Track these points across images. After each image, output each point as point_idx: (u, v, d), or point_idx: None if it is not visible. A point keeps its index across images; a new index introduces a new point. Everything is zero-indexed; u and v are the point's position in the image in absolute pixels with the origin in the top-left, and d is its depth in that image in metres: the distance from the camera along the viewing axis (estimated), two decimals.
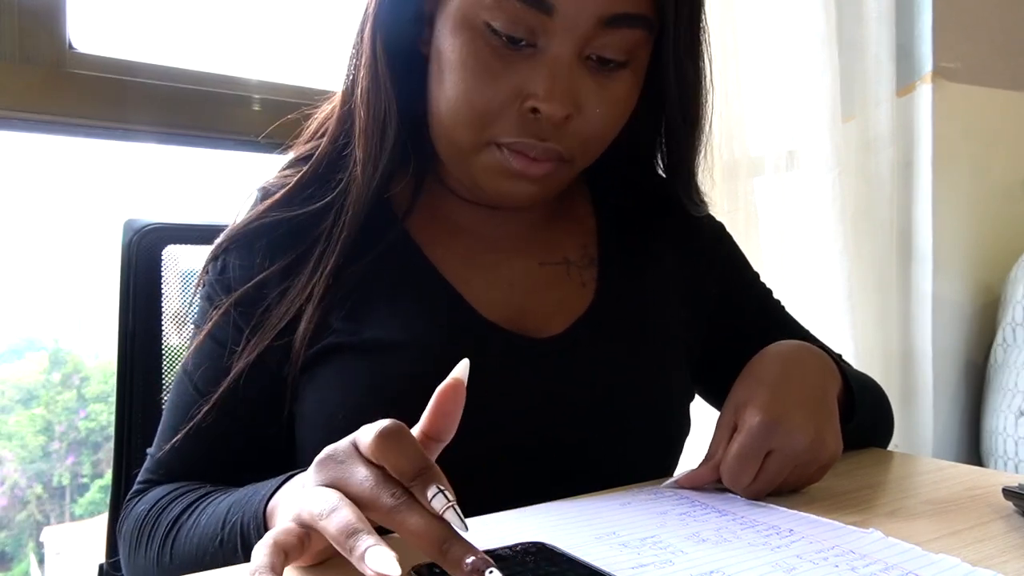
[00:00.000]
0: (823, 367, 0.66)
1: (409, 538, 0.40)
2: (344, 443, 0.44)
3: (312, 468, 0.44)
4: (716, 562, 0.46)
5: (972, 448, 1.65)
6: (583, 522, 0.54)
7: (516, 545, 0.44)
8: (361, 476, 0.42)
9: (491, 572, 0.38)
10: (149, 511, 0.63)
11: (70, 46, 1.00)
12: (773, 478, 0.58)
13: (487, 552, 0.42)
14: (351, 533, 0.39)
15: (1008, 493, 0.58)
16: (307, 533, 0.42)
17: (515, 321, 0.68)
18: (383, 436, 0.41)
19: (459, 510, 0.40)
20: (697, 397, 0.80)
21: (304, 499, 0.43)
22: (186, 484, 0.64)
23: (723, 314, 0.79)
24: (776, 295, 0.86)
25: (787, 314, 0.85)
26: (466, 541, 0.39)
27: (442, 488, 0.40)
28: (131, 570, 0.65)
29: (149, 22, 1.20)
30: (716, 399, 0.82)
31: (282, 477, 0.53)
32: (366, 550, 0.38)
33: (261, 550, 0.40)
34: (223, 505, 0.57)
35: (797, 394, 0.60)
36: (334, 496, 0.41)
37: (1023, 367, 1.51)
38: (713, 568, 0.45)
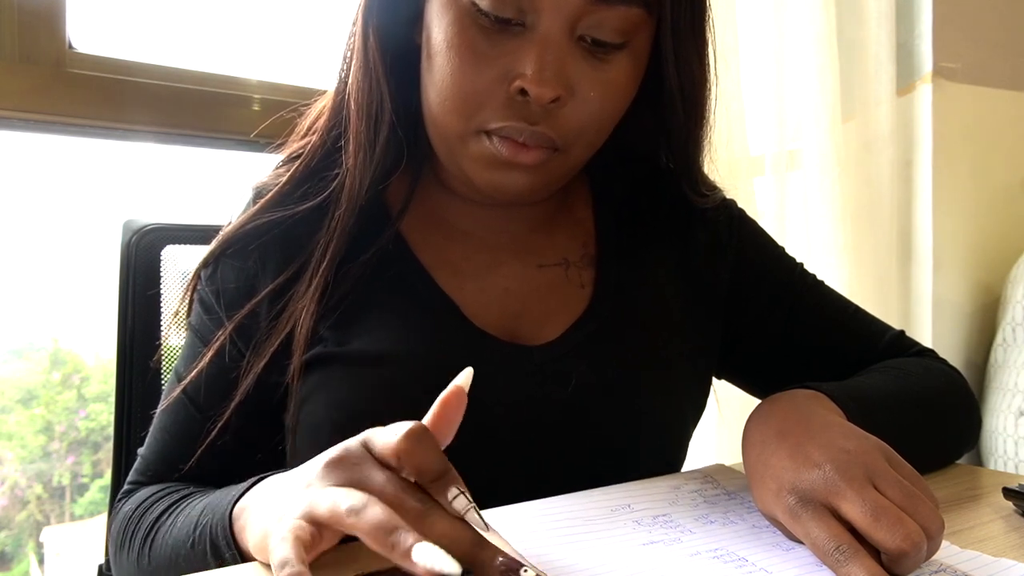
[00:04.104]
0: (794, 406, 0.57)
1: (439, 541, 0.39)
2: (355, 444, 0.44)
3: (322, 469, 0.44)
4: (720, 541, 0.50)
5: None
6: (599, 495, 0.57)
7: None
8: (381, 479, 0.42)
9: (525, 571, 0.38)
10: (133, 512, 0.63)
11: (70, 46, 1.00)
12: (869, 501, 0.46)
13: None
14: (391, 530, 0.38)
15: (1008, 493, 0.58)
16: (318, 531, 0.42)
17: (509, 328, 0.67)
18: (410, 438, 0.41)
19: (479, 511, 0.40)
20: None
21: (323, 497, 0.42)
22: (171, 485, 0.64)
23: (740, 299, 0.76)
24: (809, 269, 0.80)
25: (820, 289, 0.79)
26: (494, 544, 0.39)
27: (462, 490, 0.40)
28: (117, 570, 0.65)
29: (149, 22, 1.20)
30: (747, 384, 0.81)
31: (250, 481, 0.53)
32: (412, 545, 0.38)
33: (283, 545, 0.39)
34: (196, 508, 0.56)
35: (775, 451, 0.52)
36: (361, 494, 0.41)
37: (1023, 367, 1.51)
38: (718, 546, 0.49)
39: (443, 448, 0.45)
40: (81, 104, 1.00)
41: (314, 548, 0.41)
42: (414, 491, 0.41)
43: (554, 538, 0.49)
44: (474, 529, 0.40)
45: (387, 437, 0.42)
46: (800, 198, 1.47)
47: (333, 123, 0.69)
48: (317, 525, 0.42)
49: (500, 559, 0.38)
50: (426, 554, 0.37)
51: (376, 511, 0.39)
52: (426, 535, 0.40)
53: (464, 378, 0.45)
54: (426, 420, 0.44)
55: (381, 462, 0.43)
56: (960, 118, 1.63)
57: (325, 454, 0.44)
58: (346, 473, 0.43)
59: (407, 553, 0.37)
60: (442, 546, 0.39)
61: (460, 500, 0.40)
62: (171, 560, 0.56)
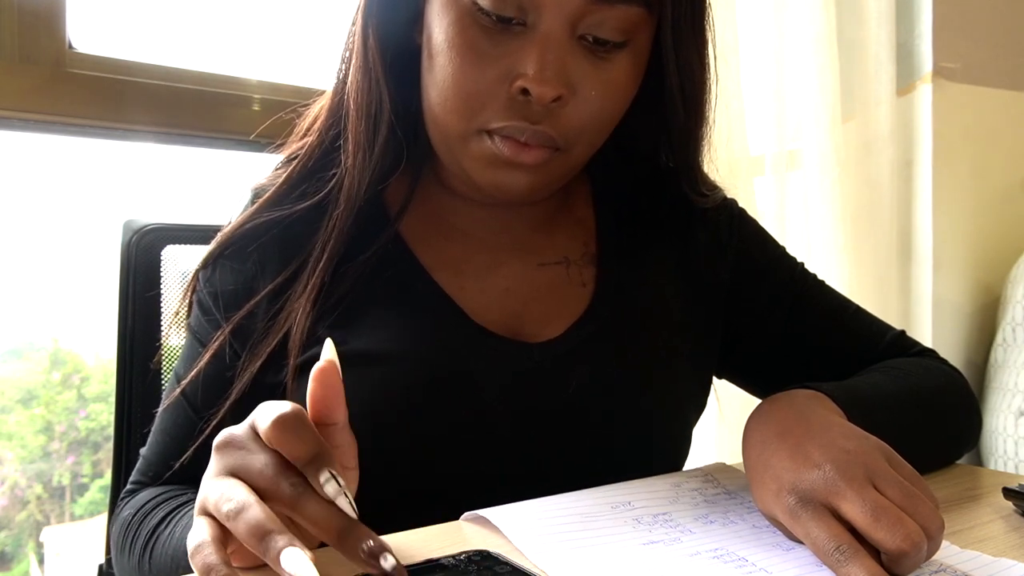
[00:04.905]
0: (794, 406, 0.57)
1: (308, 526, 0.40)
2: (243, 427, 0.44)
3: (213, 453, 0.44)
4: (720, 541, 0.50)
5: None
6: (599, 493, 0.57)
7: (460, 553, 0.44)
8: (261, 463, 0.42)
9: (385, 558, 0.38)
10: (133, 516, 0.63)
11: (70, 46, 1.00)
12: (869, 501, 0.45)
13: (430, 560, 0.43)
14: (263, 535, 0.39)
15: (1008, 493, 0.58)
16: (222, 526, 0.42)
17: (510, 328, 0.66)
18: (278, 423, 0.41)
19: (350, 496, 0.40)
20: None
21: (211, 491, 0.42)
22: (170, 489, 0.64)
23: (740, 298, 0.76)
24: (809, 269, 0.80)
25: (820, 289, 0.79)
26: (364, 528, 0.39)
27: (334, 474, 0.40)
28: (119, 572, 0.65)
29: (149, 22, 1.20)
30: (748, 384, 0.81)
31: None
32: (280, 552, 0.38)
33: (207, 550, 0.39)
34: None
35: (776, 451, 0.52)
36: (241, 492, 0.41)
37: (1023, 367, 1.51)
38: (718, 546, 0.49)
39: (344, 421, 0.45)
40: (81, 104, 1.00)
41: (227, 542, 0.41)
42: (291, 473, 0.41)
43: (554, 537, 0.49)
44: (344, 513, 0.40)
45: (263, 420, 0.42)
46: (800, 198, 1.47)
47: (331, 123, 0.69)
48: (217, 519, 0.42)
49: (367, 543, 0.39)
50: (292, 561, 0.37)
51: (250, 515, 0.39)
52: (298, 518, 0.40)
53: (329, 350, 0.45)
54: (309, 398, 0.44)
55: (266, 444, 0.43)
56: (960, 118, 1.63)
57: (218, 438, 0.44)
58: (232, 458, 0.43)
59: (276, 559, 0.38)
60: (311, 529, 0.40)
61: (331, 485, 0.40)
62: (172, 568, 0.56)
